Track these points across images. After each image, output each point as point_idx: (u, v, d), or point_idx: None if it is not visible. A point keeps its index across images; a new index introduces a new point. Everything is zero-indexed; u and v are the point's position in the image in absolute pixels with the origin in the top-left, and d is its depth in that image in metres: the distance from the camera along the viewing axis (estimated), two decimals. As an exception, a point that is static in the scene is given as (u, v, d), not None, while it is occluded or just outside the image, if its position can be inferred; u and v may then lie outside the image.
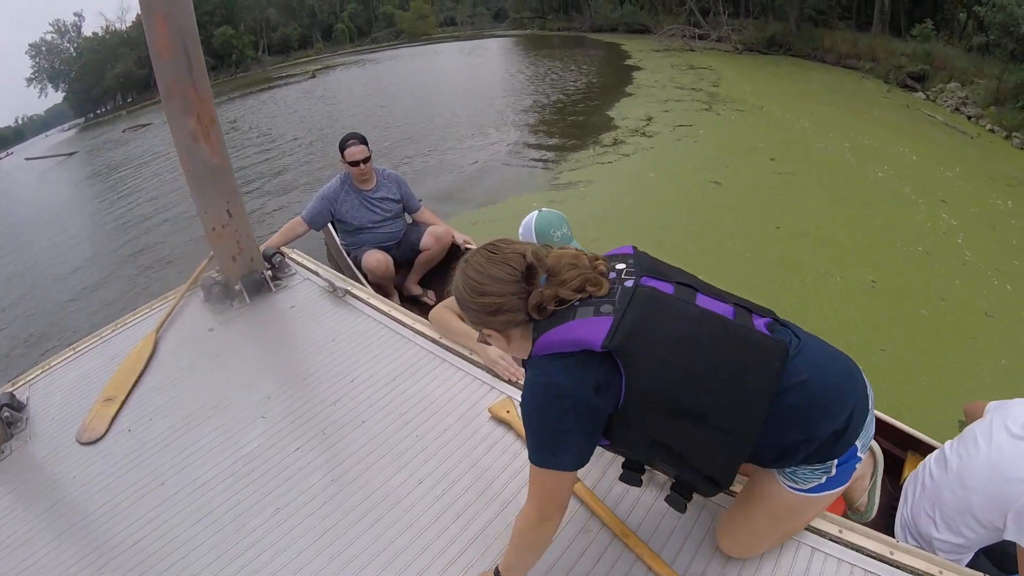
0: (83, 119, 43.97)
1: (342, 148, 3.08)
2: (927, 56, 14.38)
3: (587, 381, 0.94)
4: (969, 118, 11.11)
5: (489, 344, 1.14)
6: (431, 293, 3.38)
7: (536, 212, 1.78)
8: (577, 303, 0.98)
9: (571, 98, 12.14)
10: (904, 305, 3.68)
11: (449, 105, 12.03)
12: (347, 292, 2.46)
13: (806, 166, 6.24)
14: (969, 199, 5.75)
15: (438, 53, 30.59)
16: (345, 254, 3.27)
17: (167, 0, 1.98)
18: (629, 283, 1.00)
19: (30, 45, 46.07)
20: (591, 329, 0.93)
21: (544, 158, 7.10)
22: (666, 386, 0.94)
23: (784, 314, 1.08)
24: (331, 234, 3.36)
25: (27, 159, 19.51)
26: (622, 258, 1.09)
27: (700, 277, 1.09)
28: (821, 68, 17.47)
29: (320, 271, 2.69)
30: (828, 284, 3.87)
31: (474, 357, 1.95)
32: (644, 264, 1.06)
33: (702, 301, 1.01)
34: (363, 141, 3.11)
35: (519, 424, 1.58)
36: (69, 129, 39.53)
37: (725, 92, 11.70)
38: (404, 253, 3.32)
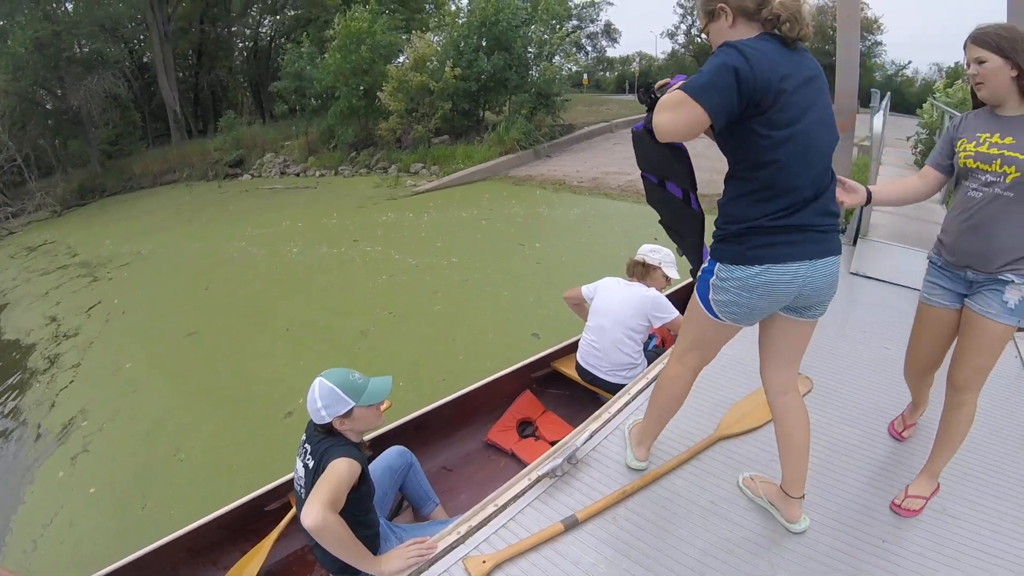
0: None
1: None
2: (237, 142, 16.57)
3: None
4: (297, 175, 14.09)
5: None
6: None
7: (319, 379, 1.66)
8: None
9: None
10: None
11: None
12: None
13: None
14: (377, 228, 8.02)
15: None
16: None
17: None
18: None
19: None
20: None
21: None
22: None
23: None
24: None
25: None
26: None
27: None
28: (147, 194, 17.65)
29: None
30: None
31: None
32: None
33: None
34: None
35: None
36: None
37: (91, 255, 10.89)
38: None
